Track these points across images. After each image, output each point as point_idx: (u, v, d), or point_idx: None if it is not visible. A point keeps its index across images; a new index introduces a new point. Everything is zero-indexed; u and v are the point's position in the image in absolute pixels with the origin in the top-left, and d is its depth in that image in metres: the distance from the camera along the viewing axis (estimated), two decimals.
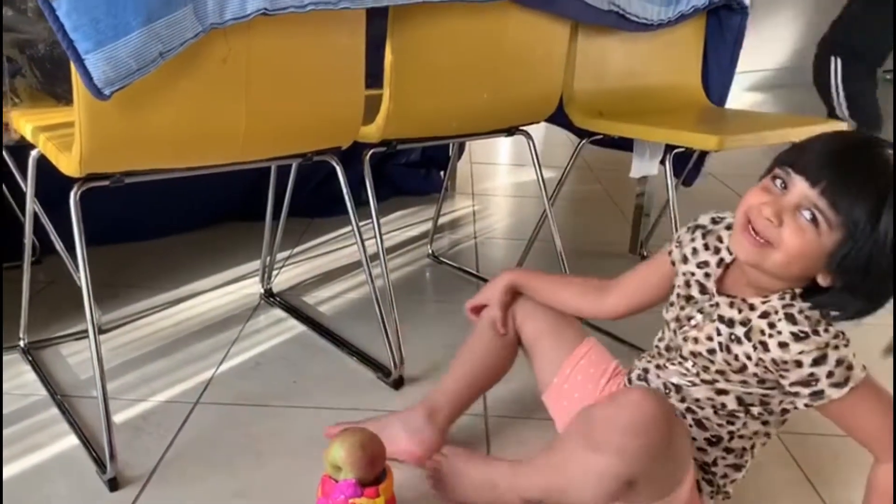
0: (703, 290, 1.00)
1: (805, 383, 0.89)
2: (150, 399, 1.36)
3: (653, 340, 1.09)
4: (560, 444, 0.98)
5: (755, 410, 0.98)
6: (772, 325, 0.89)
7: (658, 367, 1.05)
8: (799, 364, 0.87)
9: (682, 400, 1.00)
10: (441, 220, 2.30)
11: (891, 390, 1.38)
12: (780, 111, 4.98)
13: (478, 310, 1.24)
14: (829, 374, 0.87)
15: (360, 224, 1.46)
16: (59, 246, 1.56)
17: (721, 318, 0.95)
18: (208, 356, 1.52)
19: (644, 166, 1.73)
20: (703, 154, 1.93)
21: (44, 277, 1.82)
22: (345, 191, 1.40)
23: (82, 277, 1.14)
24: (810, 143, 0.89)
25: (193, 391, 1.39)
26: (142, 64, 0.97)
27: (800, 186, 0.85)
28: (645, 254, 2.17)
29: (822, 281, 0.88)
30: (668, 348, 1.04)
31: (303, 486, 1.12)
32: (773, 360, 0.89)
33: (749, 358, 0.92)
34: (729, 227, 1.00)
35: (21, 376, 1.42)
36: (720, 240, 1.00)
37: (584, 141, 1.79)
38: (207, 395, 1.39)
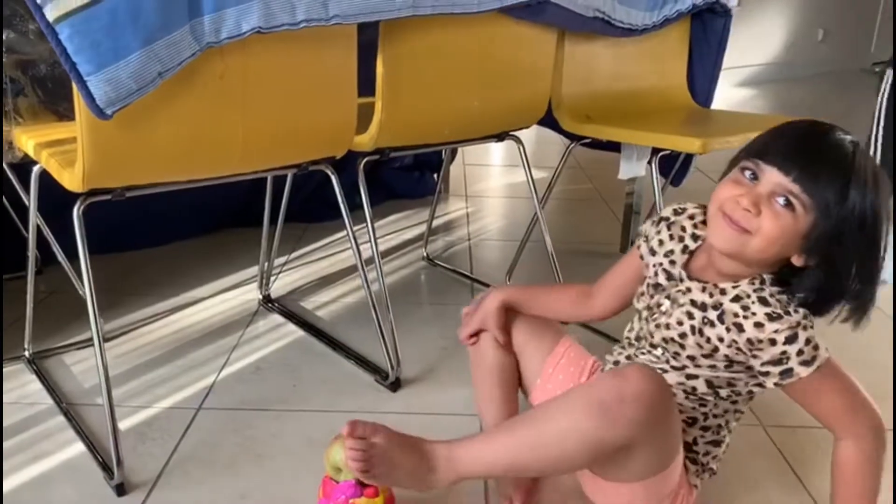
0: (669, 276, 1.05)
1: (776, 362, 0.94)
2: (154, 405, 1.40)
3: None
4: (539, 411, 0.97)
5: (723, 392, 1.03)
6: (745, 308, 0.95)
7: (629, 357, 1.09)
8: (773, 342, 0.93)
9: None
10: (435, 223, 2.34)
11: (891, 387, 1.43)
12: (770, 106, 5.03)
13: (474, 335, 1.21)
14: (799, 353, 0.92)
15: (355, 229, 1.49)
16: (60, 257, 1.60)
17: (693, 303, 1.00)
18: (209, 362, 1.56)
19: (632, 168, 1.77)
20: (690, 155, 1.97)
21: (45, 288, 1.85)
22: (339, 198, 1.44)
23: (87, 289, 1.17)
24: (775, 134, 0.95)
25: (196, 397, 1.43)
26: (142, 84, 1.01)
27: (772, 175, 0.91)
28: None
29: (797, 261, 0.94)
30: (637, 338, 1.09)
31: (305, 486, 1.16)
32: (749, 340, 0.94)
33: (721, 340, 0.97)
34: (692, 217, 1.06)
35: (27, 386, 1.45)
36: (683, 229, 1.06)
37: (573, 144, 1.83)
38: (209, 400, 1.42)
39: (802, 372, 0.93)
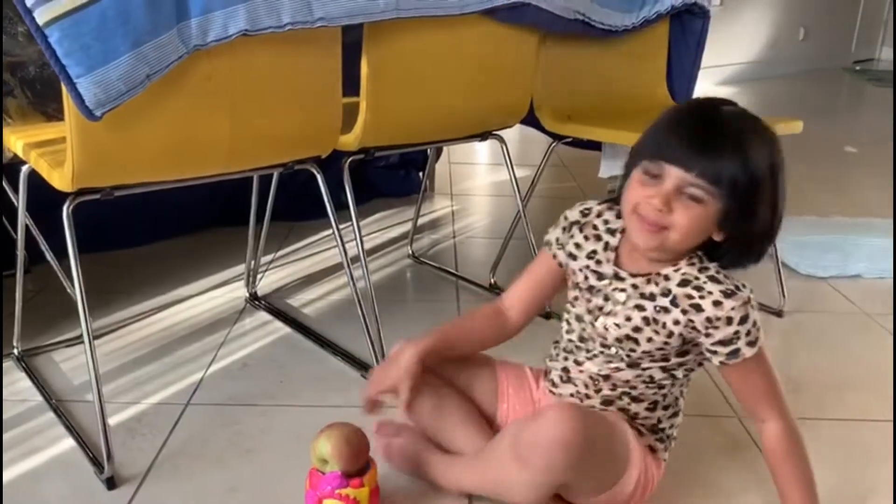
0: (599, 276, 1.08)
1: (727, 342, 0.98)
2: (143, 401, 1.42)
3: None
4: (491, 454, 1.07)
5: (679, 373, 1.08)
6: (698, 289, 0.99)
7: (577, 362, 1.11)
8: (729, 321, 0.97)
9: (614, 387, 1.09)
10: (420, 221, 2.36)
11: (891, 382, 1.47)
12: (752, 104, 5.05)
13: (376, 403, 1.14)
14: (748, 333, 0.98)
15: (341, 227, 1.52)
16: (49, 256, 1.61)
17: (643, 296, 1.03)
18: (197, 359, 1.58)
19: (612, 166, 1.81)
20: None
21: (33, 286, 1.86)
22: (325, 197, 1.47)
23: (76, 287, 1.19)
24: (668, 129, 0.98)
25: (184, 393, 1.45)
26: (130, 86, 1.03)
27: (675, 173, 0.95)
28: None
29: (718, 237, 0.99)
30: (582, 339, 1.11)
31: (292, 479, 1.18)
32: (707, 319, 0.98)
33: (677, 323, 1.01)
34: (600, 214, 1.10)
35: (16, 383, 1.47)
36: (596, 228, 1.10)
37: (555, 143, 1.87)
38: (198, 396, 1.45)
39: (748, 352, 0.98)
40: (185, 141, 1.20)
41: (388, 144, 1.55)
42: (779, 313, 1.85)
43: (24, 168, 1.31)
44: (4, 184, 1.58)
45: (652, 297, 1.03)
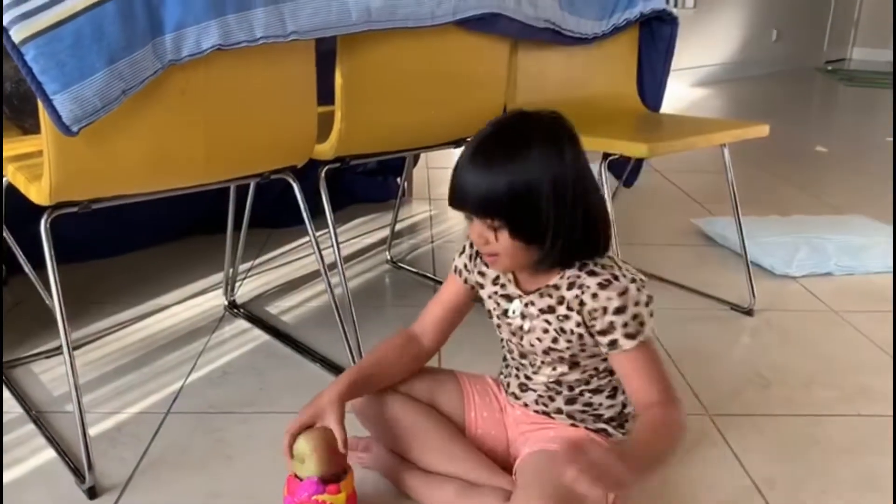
0: (509, 298, 1.13)
1: (605, 332, 1.02)
2: (124, 411, 1.43)
3: None
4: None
5: None
6: (581, 286, 1.03)
7: (527, 377, 1.16)
8: (605, 311, 1.01)
9: (571, 387, 1.12)
10: (399, 226, 2.39)
11: (891, 383, 1.51)
12: (725, 105, 5.16)
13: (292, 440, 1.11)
14: (625, 325, 1.01)
15: (318, 234, 1.54)
16: (26, 267, 1.62)
17: (542, 311, 1.08)
18: (177, 367, 1.60)
19: None
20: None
21: (11, 298, 1.86)
22: (301, 206, 1.49)
23: (55, 298, 1.20)
24: (454, 185, 1.02)
25: (164, 401, 1.47)
26: (106, 101, 1.05)
27: (477, 223, 1.02)
28: None
29: (548, 240, 1.00)
30: (522, 355, 1.15)
31: (272, 485, 1.20)
32: (589, 312, 1.02)
33: (579, 325, 1.04)
34: None
35: None
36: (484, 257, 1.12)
37: None
38: (178, 404, 1.46)
39: (625, 345, 1.01)
40: (161, 154, 1.21)
41: (363, 153, 1.58)
42: (749, 312, 1.89)
43: (2, 181, 1.32)
44: None
45: (551, 310, 1.06)
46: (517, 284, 1.12)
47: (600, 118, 1.84)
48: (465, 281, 1.19)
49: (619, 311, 1.00)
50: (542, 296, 1.08)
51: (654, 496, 1.21)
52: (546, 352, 1.09)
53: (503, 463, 1.19)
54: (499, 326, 1.16)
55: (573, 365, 1.10)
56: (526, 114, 1.03)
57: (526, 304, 1.10)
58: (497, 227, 1.00)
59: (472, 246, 1.17)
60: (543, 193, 0.96)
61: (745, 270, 1.93)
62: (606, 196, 1.68)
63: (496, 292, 1.14)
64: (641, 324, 1.01)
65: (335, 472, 1.09)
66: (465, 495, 1.12)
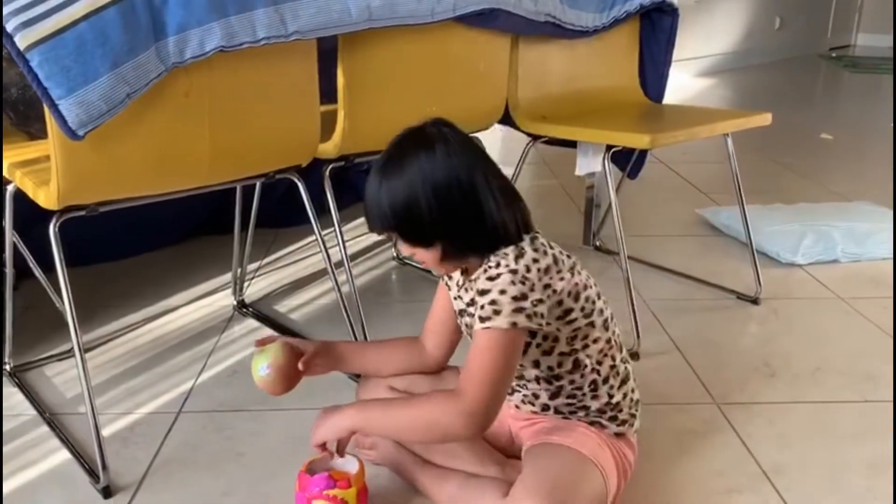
0: (460, 298, 1.16)
1: (469, 304, 1.06)
2: (136, 411, 1.45)
3: None
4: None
5: (575, 346, 1.09)
6: (478, 278, 1.05)
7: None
8: (478, 291, 1.02)
9: (548, 382, 1.12)
10: None
11: (891, 380, 1.52)
12: (730, 95, 5.14)
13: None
14: (481, 307, 1.01)
15: (324, 232, 1.55)
16: (37, 271, 1.63)
17: (468, 305, 1.11)
18: (187, 367, 1.61)
19: (588, 163, 1.84)
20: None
21: (21, 303, 1.88)
22: (307, 204, 1.50)
23: (65, 301, 1.22)
24: (366, 211, 1.08)
25: (176, 401, 1.48)
26: (111, 105, 1.06)
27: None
28: (598, 244, 2.28)
29: (446, 246, 1.05)
30: None
31: (284, 482, 1.21)
32: (477, 291, 1.03)
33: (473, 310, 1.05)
34: None
35: (10, 398, 1.50)
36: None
37: (531, 142, 1.91)
38: (189, 404, 1.48)
39: (476, 324, 1.01)
40: (166, 156, 1.23)
41: (367, 151, 1.58)
42: (755, 301, 1.90)
43: (10, 187, 1.33)
44: None
45: (473, 303, 1.07)
46: (464, 284, 1.14)
47: (603, 110, 1.85)
48: (446, 283, 1.21)
49: (482, 292, 1.01)
50: (466, 291, 1.11)
51: (662, 483, 1.22)
52: None
53: (507, 454, 1.20)
54: (462, 329, 1.19)
55: (534, 365, 1.11)
56: (406, 130, 1.08)
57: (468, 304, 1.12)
58: (406, 238, 1.05)
59: None
60: (422, 200, 1.01)
61: (750, 259, 1.93)
62: (611, 189, 1.69)
63: (454, 295, 1.18)
64: (496, 311, 0.99)
65: (291, 385, 1.18)
66: (467, 487, 1.13)
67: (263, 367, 1.15)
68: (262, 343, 1.20)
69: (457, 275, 1.16)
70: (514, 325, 0.99)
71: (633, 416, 1.17)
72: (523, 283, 1.00)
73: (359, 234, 2.44)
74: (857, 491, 1.21)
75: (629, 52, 1.99)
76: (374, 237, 2.40)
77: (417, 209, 1.01)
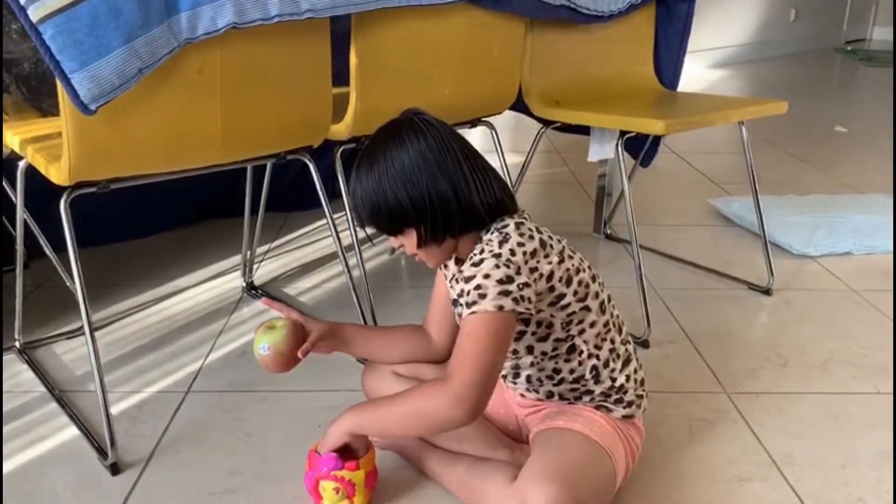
0: (454, 288, 1.15)
1: (459, 294, 1.04)
2: (144, 390, 1.45)
3: None
4: (485, 483, 1.09)
5: (570, 332, 1.08)
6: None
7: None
8: (465, 279, 1.01)
9: (554, 372, 1.11)
10: None
11: (891, 379, 1.50)
12: (745, 86, 5.11)
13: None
14: (467, 294, 1.00)
15: (335, 216, 1.54)
16: (48, 250, 1.63)
17: (459, 294, 1.08)
18: (196, 348, 1.61)
19: (601, 150, 1.83)
20: (658, 137, 2.03)
21: (32, 281, 1.89)
22: (318, 186, 1.49)
23: (76, 279, 1.22)
24: (350, 207, 1.13)
25: (184, 381, 1.48)
26: (123, 80, 1.05)
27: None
28: (609, 232, 2.27)
29: (421, 232, 1.05)
30: None
31: (293, 462, 1.22)
32: (464, 279, 1.02)
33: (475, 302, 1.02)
34: None
35: (19, 375, 1.50)
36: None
37: (543, 129, 1.89)
38: (198, 383, 1.48)
39: (462, 311, 1.01)
40: (178, 133, 1.22)
41: None
42: (767, 292, 1.88)
43: (21, 163, 1.33)
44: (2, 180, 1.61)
45: (462, 293, 1.06)
46: (456, 274, 1.14)
47: (617, 96, 1.83)
48: (445, 275, 1.21)
49: (468, 279, 1.00)
50: (457, 281, 1.11)
51: (673, 472, 1.21)
52: None
53: (516, 438, 1.20)
54: (455, 318, 1.18)
55: (528, 350, 1.10)
56: (385, 123, 1.09)
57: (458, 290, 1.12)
58: (384, 229, 1.07)
59: None
60: (390, 187, 1.02)
61: (762, 250, 1.92)
62: (623, 176, 1.67)
63: (449, 284, 1.18)
64: (482, 296, 0.98)
65: (287, 368, 1.16)
66: (475, 472, 1.12)
67: (264, 346, 1.14)
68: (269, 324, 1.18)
69: (452, 265, 1.16)
70: (501, 308, 0.98)
71: (640, 396, 1.15)
72: (507, 267, 0.99)
73: None
74: (867, 482, 1.20)
75: (644, 38, 1.97)
76: None
77: (386, 197, 1.03)
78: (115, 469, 1.21)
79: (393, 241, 1.10)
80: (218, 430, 1.33)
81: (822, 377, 1.51)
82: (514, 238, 1.01)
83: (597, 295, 1.10)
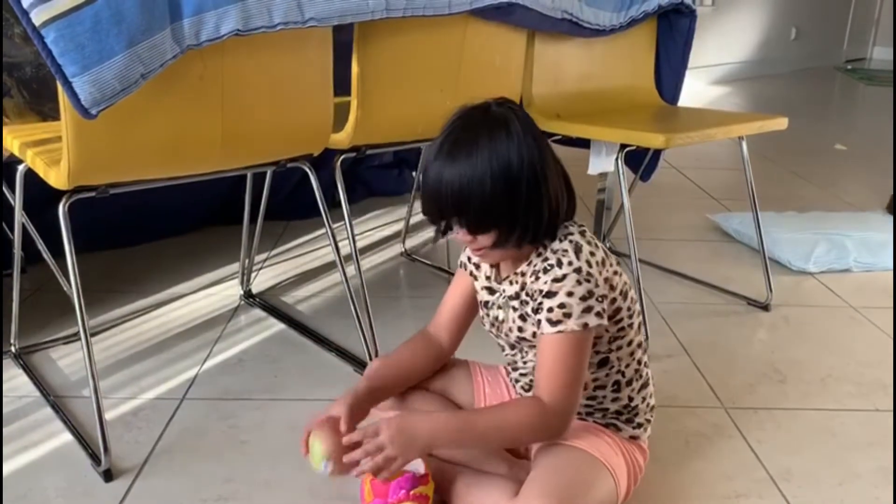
0: (491, 291, 1.13)
1: (535, 310, 1.01)
2: (139, 397, 1.44)
3: None
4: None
5: (612, 346, 1.08)
6: (535, 273, 1.03)
7: (522, 372, 1.14)
8: (540, 293, 1.00)
9: None
10: (413, 219, 2.38)
11: (889, 397, 1.50)
12: (744, 103, 5.12)
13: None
14: (549, 310, 0.99)
15: (334, 225, 1.54)
16: (45, 254, 1.63)
17: (510, 298, 1.08)
18: (193, 355, 1.61)
19: (601, 163, 1.83)
20: (658, 151, 2.04)
21: (29, 285, 1.88)
22: (318, 195, 1.49)
23: (73, 284, 1.21)
24: (428, 194, 1.02)
25: (180, 388, 1.48)
26: (125, 84, 1.05)
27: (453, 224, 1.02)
28: (608, 246, 2.27)
29: (504, 233, 1.00)
30: (511, 346, 1.14)
31: (287, 470, 1.21)
32: (530, 292, 1.02)
33: (536, 311, 1.02)
34: None
35: (14, 379, 1.49)
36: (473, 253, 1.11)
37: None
38: (193, 391, 1.47)
39: (546, 328, 1.00)
40: (178, 139, 1.22)
41: (379, 143, 1.58)
42: (766, 307, 1.88)
43: (21, 167, 1.33)
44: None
45: (516, 296, 1.06)
46: (497, 276, 1.12)
47: (618, 110, 1.84)
48: (470, 273, 1.18)
49: (549, 295, 0.99)
50: (511, 283, 1.08)
51: (670, 486, 1.21)
52: (518, 341, 1.09)
53: (515, 454, 1.18)
54: (483, 319, 1.16)
55: None
56: (466, 110, 1.04)
57: (501, 295, 1.10)
58: (469, 223, 1.00)
59: None
60: (490, 183, 0.96)
61: (761, 266, 1.91)
62: (623, 190, 1.67)
63: (484, 286, 1.15)
64: (567, 315, 0.98)
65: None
66: (474, 486, 1.11)
67: (325, 465, 1.05)
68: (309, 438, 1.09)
69: (486, 266, 1.14)
70: (586, 325, 0.99)
71: (648, 421, 1.15)
72: (588, 281, 0.99)
73: (367, 229, 2.43)
74: (865, 499, 1.19)
75: (646, 52, 1.98)
76: (384, 232, 2.40)
77: (482, 190, 0.96)
78: (108, 476, 1.20)
79: (461, 236, 1.02)
80: (212, 438, 1.32)
81: (820, 394, 1.50)
82: (586, 247, 1.01)
83: (638, 313, 1.10)
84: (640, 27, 1.90)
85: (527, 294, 1.05)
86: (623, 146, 1.68)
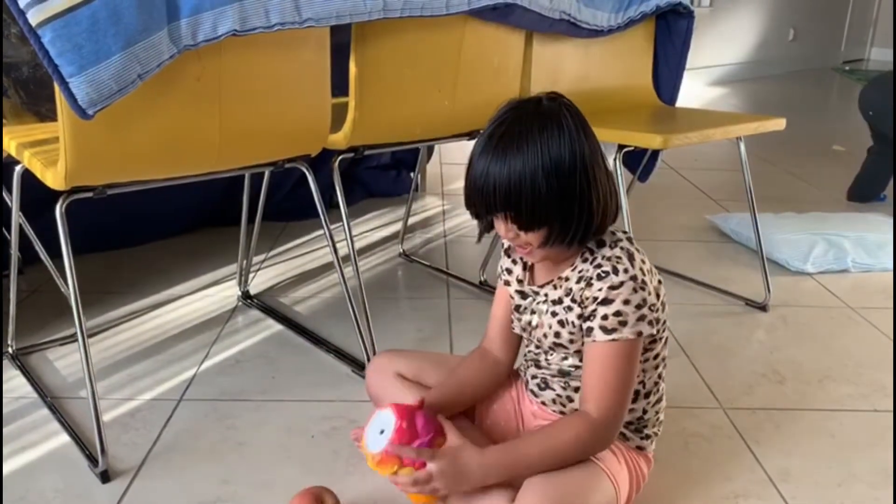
0: (523, 295, 1.12)
1: (587, 317, 1.00)
2: (137, 398, 1.44)
3: None
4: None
5: (644, 356, 1.07)
6: (587, 279, 1.01)
7: (545, 376, 1.13)
8: (594, 300, 0.99)
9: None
10: (412, 220, 2.39)
11: (889, 397, 1.49)
12: (742, 104, 5.12)
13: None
14: (604, 317, 0.98)
15: (332, 226, 1.54)
16: (43, 255, 1.63)
17: (553, 302, 1.06)
18: (190, 356, 1.60)
19: None
20: (656, 152, 2.03)
21: (26, 287, 1.88)
22: (315, 196, 1.49)
23: (70, 285, 1.21)
24: (466, 186, 1.00)
25: (177, 389, 1.47)
26: (122, 85, 1.05)
27: (498, 220, 1.00)
28: None
29: (554, 231, 0.98)
30: (538, 348, 1.13)
31: (284, 471, 1.21)
32: (583, 299, 1.00)
33: (581, 317, 1.01)
34: None
35: (11, 381, 1.49)
36: (516, 250, 1.10)
37: None
38: (191, 391, 1.47)
39: (598, 336, 0.99)
40: (175, 139, 1.22)
41: (377, 143, 1.57)
42: (764, 308, 1.88)
43: (18, 168, 1.33)
44: None
45: (559, 301, 1.05)
46: (532, 280, 1.11)
47: (616, 111, 1.83)
48: (505, 282, 1.16)
49: (605, 302, 0.98)
50: (555, 287, 1.06)
51: (669, 487, 1.20)
52: (553, 347, 1.08)
53: None
54: (513, 323, 1.15)
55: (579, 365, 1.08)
56: (516, 103, 1.01)
57: (537, 299, 1.09)
58: (518, 219, 0.98)
59: (503, 245, 1.15)
60: (544, 179, 0.93)
61: (759, 266, 1.91)
62: (622, 190, 1.67)
63: (516, 289, 1.13)
64: (622, 323, 0.98)
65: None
66: (471, 491, 1.10)
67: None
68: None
69: (517, 269, 1.13)
70: (640, 334, 0.98)
71: (656, 434, 1.15)
72: (643, 289, 0.98)
73: (365, 230, 2.43)
74: (864, 500, 1.19)
75: (644, 53, 1.98)
76: (382, 233, 2.39)
77: (534, 187, 0.94)
78: (105, 477, 1.20)
79: (507, 232, 1.00)
80: (210, 439, 1.31)
81: (818, 394, 1.50)
82: (637, 255, 1.01)
83: (667, 328, 1.09)
84: (638, 28, 1.90)
85: (573, 300, 1.03)
86: (621, 147, 1.68)
